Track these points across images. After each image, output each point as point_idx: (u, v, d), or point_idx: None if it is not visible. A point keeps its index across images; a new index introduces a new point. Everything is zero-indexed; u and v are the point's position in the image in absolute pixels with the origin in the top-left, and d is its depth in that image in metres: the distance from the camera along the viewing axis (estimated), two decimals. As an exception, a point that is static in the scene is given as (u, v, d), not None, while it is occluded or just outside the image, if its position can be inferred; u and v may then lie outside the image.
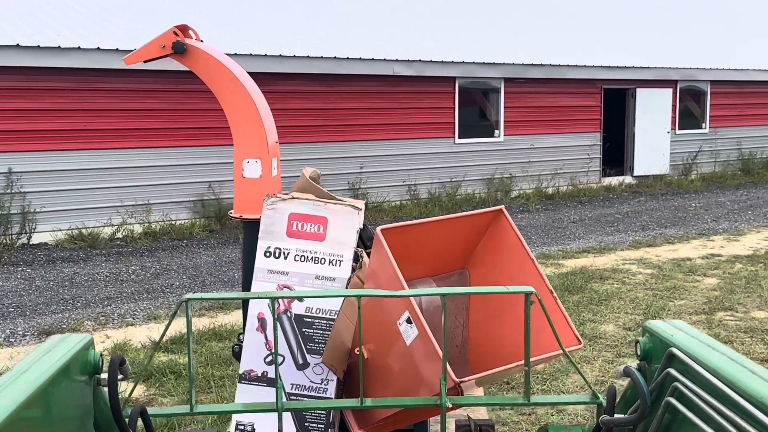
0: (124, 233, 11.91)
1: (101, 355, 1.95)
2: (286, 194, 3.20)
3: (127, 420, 1.98)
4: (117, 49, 11.21)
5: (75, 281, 9.35)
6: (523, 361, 2.22)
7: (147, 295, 8.68)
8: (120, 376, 1.93)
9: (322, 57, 13.20)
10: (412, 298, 2.41)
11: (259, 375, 3.14)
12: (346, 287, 3.05)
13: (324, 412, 3.07)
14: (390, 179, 14.60)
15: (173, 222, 12.37)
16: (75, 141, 11.55)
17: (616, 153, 17.90)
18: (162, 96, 12.17)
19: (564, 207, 14.99)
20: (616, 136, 17.98)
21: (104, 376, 1.92)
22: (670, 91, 18.16)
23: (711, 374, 1.62)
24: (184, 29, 3.81)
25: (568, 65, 16.25)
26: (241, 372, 3.16)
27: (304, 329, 3.12)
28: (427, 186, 14.93)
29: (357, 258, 3.14)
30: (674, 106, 18.34)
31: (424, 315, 2.48)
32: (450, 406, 2.23)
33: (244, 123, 3.70)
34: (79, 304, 8.32)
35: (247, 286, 3.37)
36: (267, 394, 3.07)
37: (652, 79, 17.66)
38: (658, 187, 17.32)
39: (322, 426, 3.08)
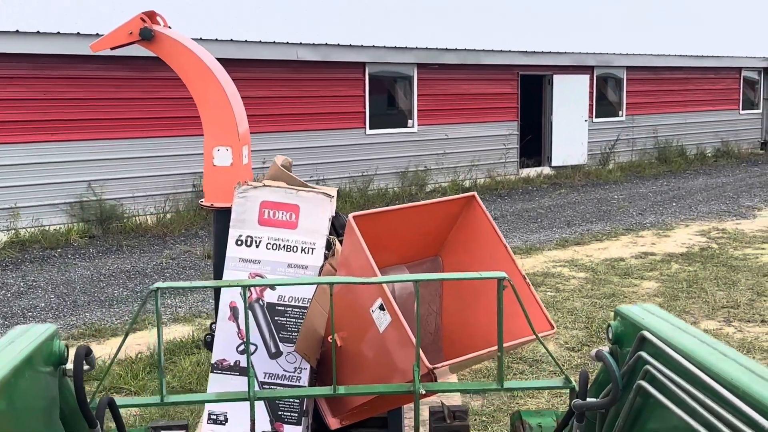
0: (-15, 243, 10.35)
1: (66, 345, 1.89)
2: (258, 182, 3.21)
3: (94, 412, 1.95)
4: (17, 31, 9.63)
5: None
6: (496, 347, 2.25)
7: (2, 321, 7.27)
8: (86, 367, 1.89)
9: (216, 40, 11.90)
10: (384, 285, 2.43)
11: (232, 364, 3.15)
12: (319, 275, 3.06)
13: (297, 401, 3.10)
14: (296, 174, 13.41)
15: (45, 228, 10.86)
16: None
17: (534, 143, 17.22)
18: (28, 83, 10.63)
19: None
20: (533, 125, 17.30)
21: (70, 366, 1.87)
22: (587, 77, 17.62)
23: (682, 357, 1.62)
24: (151, 15, 3.81)
25: (483, 50, 15.42)
26: (213, 362, 3.16)
27: (276, 318, 3.14)
28: (336, 181, 13.83)
29: (329, 246, 3.15)
30: (591, 93, 17.82)
31: (397, 302, 2.49)
32: (423, 392, 2.26)
33: (213, 110, 3.70)
34: None
35: (218, 275, 3.38)
36: (240, 384, 3.08)
37: (568, 65, 17.06)
38: (577, 178, 16.75)
39: (296, 415, 3.11)
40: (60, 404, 1.87)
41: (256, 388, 2.38)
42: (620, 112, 18.70)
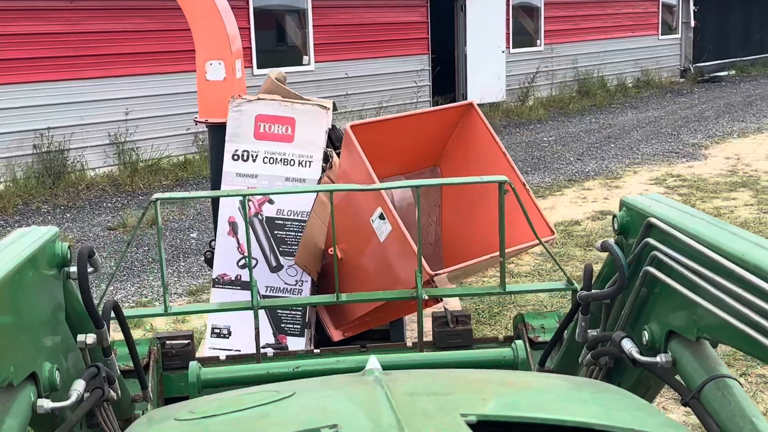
0: None
1: (69, 247, 1.83)
2: (253, 96, 3.25)
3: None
4: None
5: None
6: (497, 253, 2.26)
7: None
8: (90, 269, 1.84)
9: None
10: (383, 193, 2.50)
11: (233, 279, 3.22)
12: None
13: (300, 312, 3.17)
14: (169, 128, 11.09)
15: None
16: None
17: (447, 78, 15.28)
18: None
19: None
20: (446, 59, 15.32)
21: (74, 269, 1.83)
22: (503, 2, 15.71)
23: (691, 239, 1.59)
24: None
25: (388, -30, 13.24)
26: (214, 277, 3.27)
27: (276, 232, 3.19)
28: (219, 133, 11.56)
29: (327, 158, 3.19)
30: (508, 20, 15.96)
31: (396, 212, 2.51)
32: (426, 298, 2.30)
33: (205, 23, 3.66)
34: None
35: (216, 190, 3.39)
36: (242, 297, 3.11)
37: (483, -13, 15.09)
38: (498, 117, 14.94)
39: (299, 326, 3.17)
40: (65, 307, 1.83)
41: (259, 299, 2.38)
42: (538, 41, 16.96)
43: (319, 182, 3.11)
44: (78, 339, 1.83)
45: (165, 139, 11.06)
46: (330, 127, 3.21)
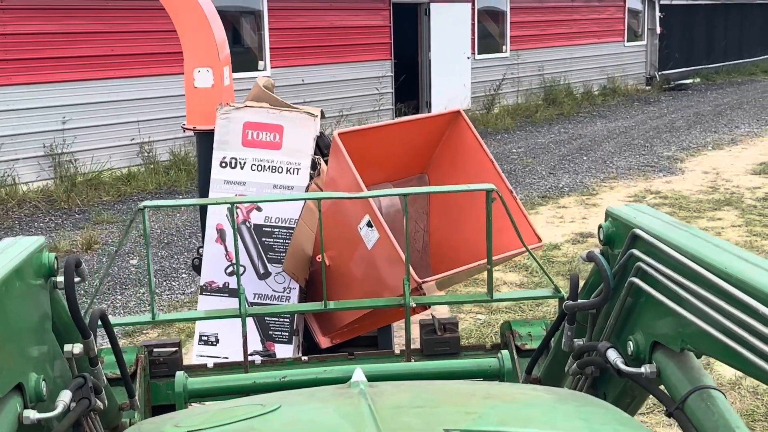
0: None
1: (56, 257, 1.83)
2: (240, 103, 3.28)
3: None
4: None
5: None
6: (484, 260, 2.29)
7: None
8: (77, 279, 1.84)
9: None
10: (371, 201, 2.52)
11: (221, 286, 3.23)
12: None
13: (288, 320, 3.18)
14: (111, 137, 10.24)
15: None
16: None
17: (411, 85, 14.63)
18: None
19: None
20: (409, 65, 14.67)
21: (60, 279, 1.83)
22: (468, 6, 15.13)
23: (675, 251, 1.60)
24: None
25: (348, -29, 12.56)
26: (201, 284, 3.26)
27: (264, 239, 3.22)
28: (167, 143, 10.72)
29: (314, 166, 3.21)
30: (473, 25, 15.37)
31: (384, 219, 2.54)
32: (414, 305, 2.31)
33: (192, 30, 3.68)
34: None
35: (204, 198, 3.42)
36: (229, 304, 3.12)
37: (447, -10, 14.49)
38: (463, 126, 14.27)
39: (286, 333, 3.19)
40: (52, 317, 1.83)
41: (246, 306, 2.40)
42: (504, 47, 16.41)
43: (307, 189, 3.15)
44: (65, 349, 1.83)
45: (107, 151, 10.20)
46: (318, 134, 3.23)
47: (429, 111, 14.89)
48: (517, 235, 2.22)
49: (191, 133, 3.71)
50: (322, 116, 3.29)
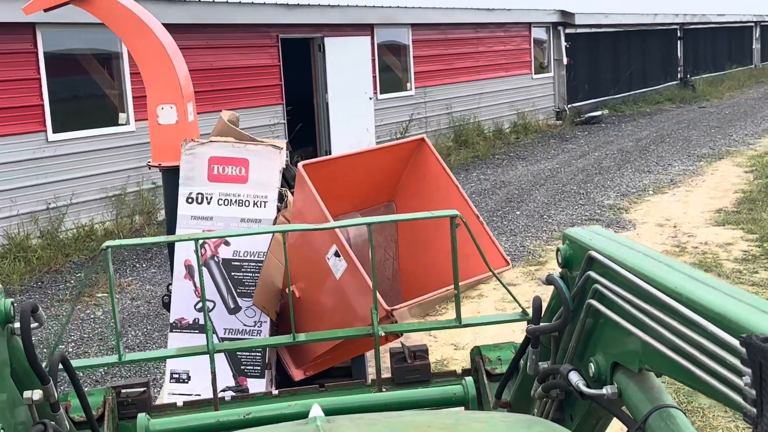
0: None
1: (12, 303, 1.83)
2: (205, 139, 3.32)
3: (47, 369, 1.94)
4: None
5: None
6: (452, 287, 2.35)
7: None
8: (34, 324, 1.84)
9: None
10: (338, 232, 2.57)
11: (191, 322, 3.24)
12: None
13: (260, 354, 3.21)
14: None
15: None
16: None
17: (307, 131, 12.73)
18: None
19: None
20: (305, 109, 12.78)
21: (17, 325, 1.82)
22: (367, 40, 13.51)
23: (628, 272, 1.64)
24: None
25: (225, 1, 10.54)
26: (171, 321, 3.27)
27: (233, 273, 3.22)
28: (4, 221, 8.41)
29: (282, 198, 3.26)
30: (374, 61, 13.71)
31: (352, 249, 2.60)
32: (383, 334, 2.33)
33: (155, 68, 3.71)
34: None
35: (171, 234, 3.40)
36: (199, 341, 3.02)
37: (343, 23, 12.78)
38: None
39: (258, 368, 3.20)
40: (11, 364, 1.85)
41: (216, 342, 2.35)
42: (408, 85, 14.80)
43: (274, 222, 3.18)
44: (24, 395, 1.83)
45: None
46: (284, 166, 3.25)
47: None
48: (483, 260, 2.25)
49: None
50: (288, 148, 3.23)
